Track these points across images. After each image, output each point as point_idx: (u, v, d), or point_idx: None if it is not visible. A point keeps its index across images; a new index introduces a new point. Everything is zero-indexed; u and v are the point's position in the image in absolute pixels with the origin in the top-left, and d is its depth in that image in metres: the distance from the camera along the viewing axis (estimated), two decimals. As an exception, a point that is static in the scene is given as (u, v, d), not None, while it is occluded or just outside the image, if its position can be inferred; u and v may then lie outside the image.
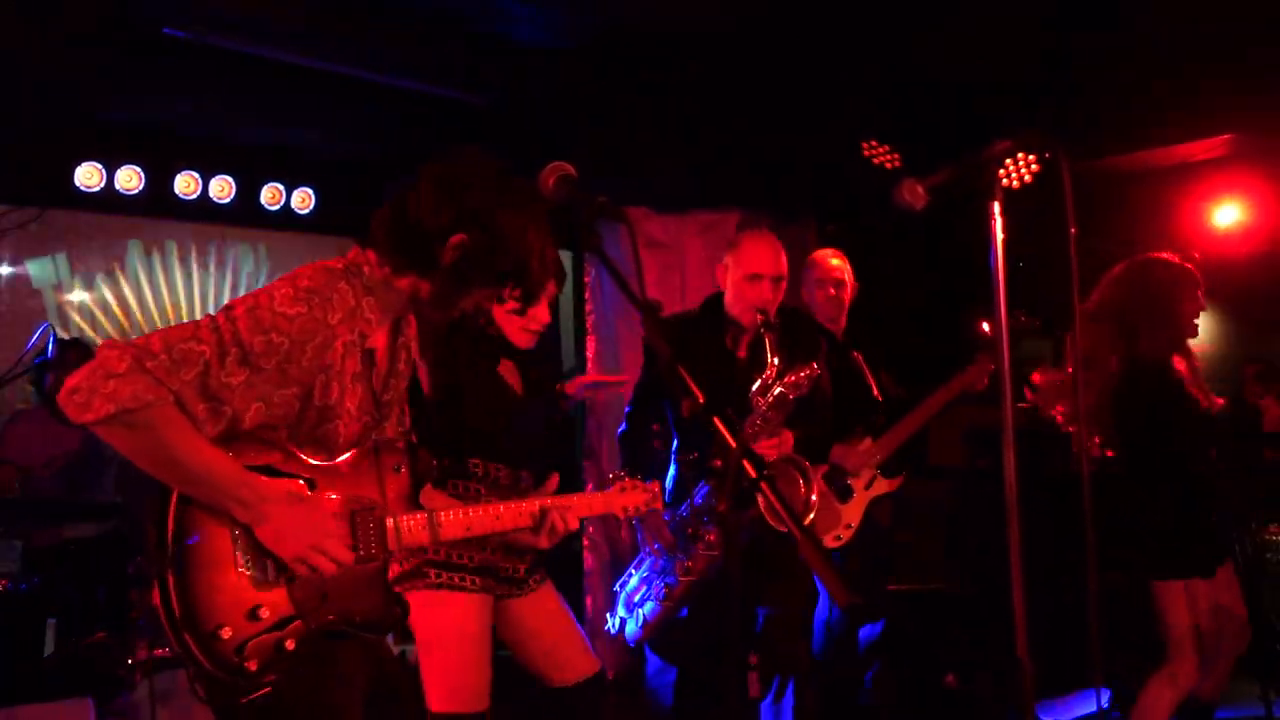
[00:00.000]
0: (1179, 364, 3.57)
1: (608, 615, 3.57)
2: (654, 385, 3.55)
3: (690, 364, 3.32)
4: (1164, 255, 3.62)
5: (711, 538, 3.29)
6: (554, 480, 2.55)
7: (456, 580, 2.70)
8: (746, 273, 3.36)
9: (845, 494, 4.06)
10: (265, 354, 1.86)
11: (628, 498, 2.59)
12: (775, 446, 3.27)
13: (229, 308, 1.90)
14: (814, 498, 3.19)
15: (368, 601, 2.06)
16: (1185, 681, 3.49)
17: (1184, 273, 3.57)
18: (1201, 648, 3.49)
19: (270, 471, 1.95)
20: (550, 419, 2.79)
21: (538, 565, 2.89)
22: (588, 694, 2.81)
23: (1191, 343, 3.68)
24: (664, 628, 3.44)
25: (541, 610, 2.86)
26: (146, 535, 1.90)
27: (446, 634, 2.71)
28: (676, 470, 3.50)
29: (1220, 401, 3.71)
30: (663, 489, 3.33)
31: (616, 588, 3.56)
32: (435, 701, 2.65)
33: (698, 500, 3.36)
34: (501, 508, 2.36)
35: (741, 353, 3.49)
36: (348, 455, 2.06)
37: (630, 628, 3.47)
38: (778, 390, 3.20)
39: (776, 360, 3.22)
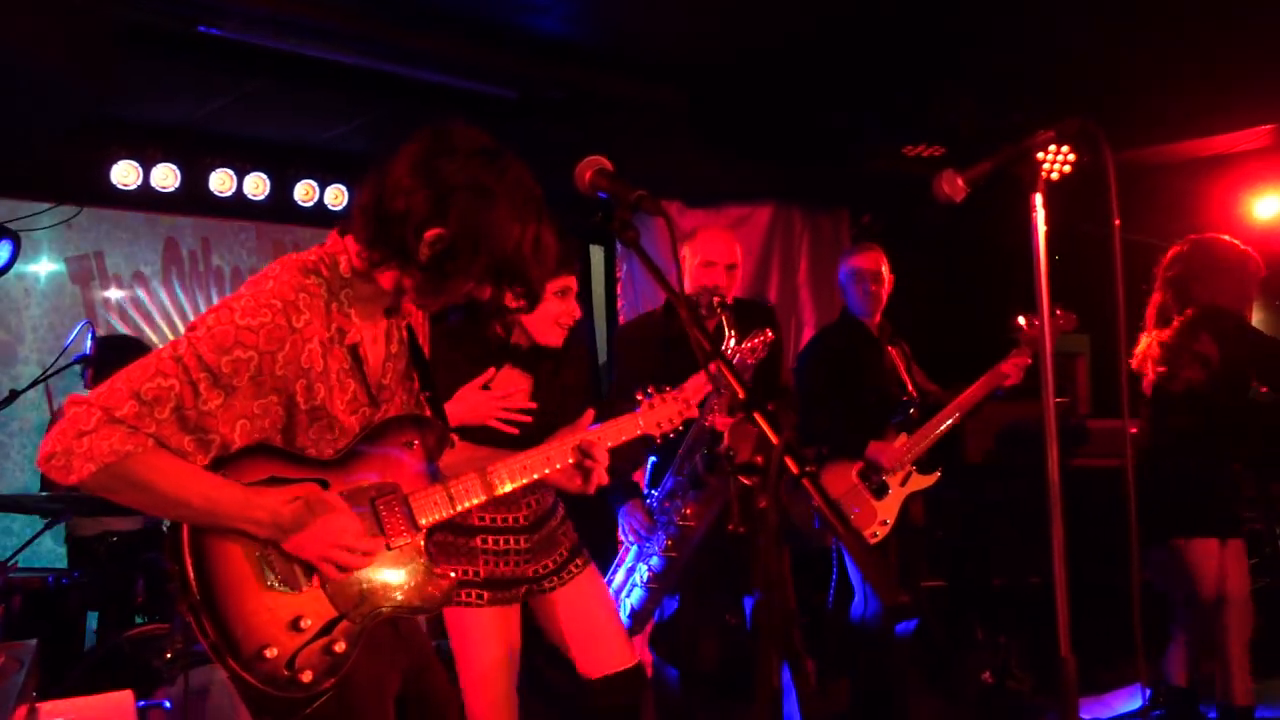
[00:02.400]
0: None
1: None
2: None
3: (666, 356, 3.43)
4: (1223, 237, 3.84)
5: (689, 510, 3.36)
6: (589, 415, 2.40)
7: (464, 596, 2.72)
8: (703, 260, 3.61)
9: (881, 491, 4.04)
10: (235, 373, 1.79)
11: (659, 413, 2.43)
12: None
13: (191, 328, 1.82)
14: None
15: (410, 584, 2.01)
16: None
17: (1245, 254, 3.81)
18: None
19: (277, 482, 1.89)
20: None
21: (573, 554, 2.89)
22: (621, 687, 2.80)
23: None
24: (651, 616, 3.51)
25: (575, 600, 2.85)
26: (169, 571, 1.85)
27: (467, 653, 2.74)
28: (656, 457, 3.56)
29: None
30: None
31: None
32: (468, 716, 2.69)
33: (669, 483, 3.43)
34: (551, 447, 2.24)
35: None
36: (353, 444, 1.98)
37: None
38: (735, 358, 3.29)
39: (733, 333, 3.33)
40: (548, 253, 1.93)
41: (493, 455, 2.24)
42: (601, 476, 2.30)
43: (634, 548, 3.51)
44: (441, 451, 2.14)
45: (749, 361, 3.32)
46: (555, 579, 2.86)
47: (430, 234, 1.84)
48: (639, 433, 2.40)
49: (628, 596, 3.50)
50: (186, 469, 1.78)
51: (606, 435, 2.34)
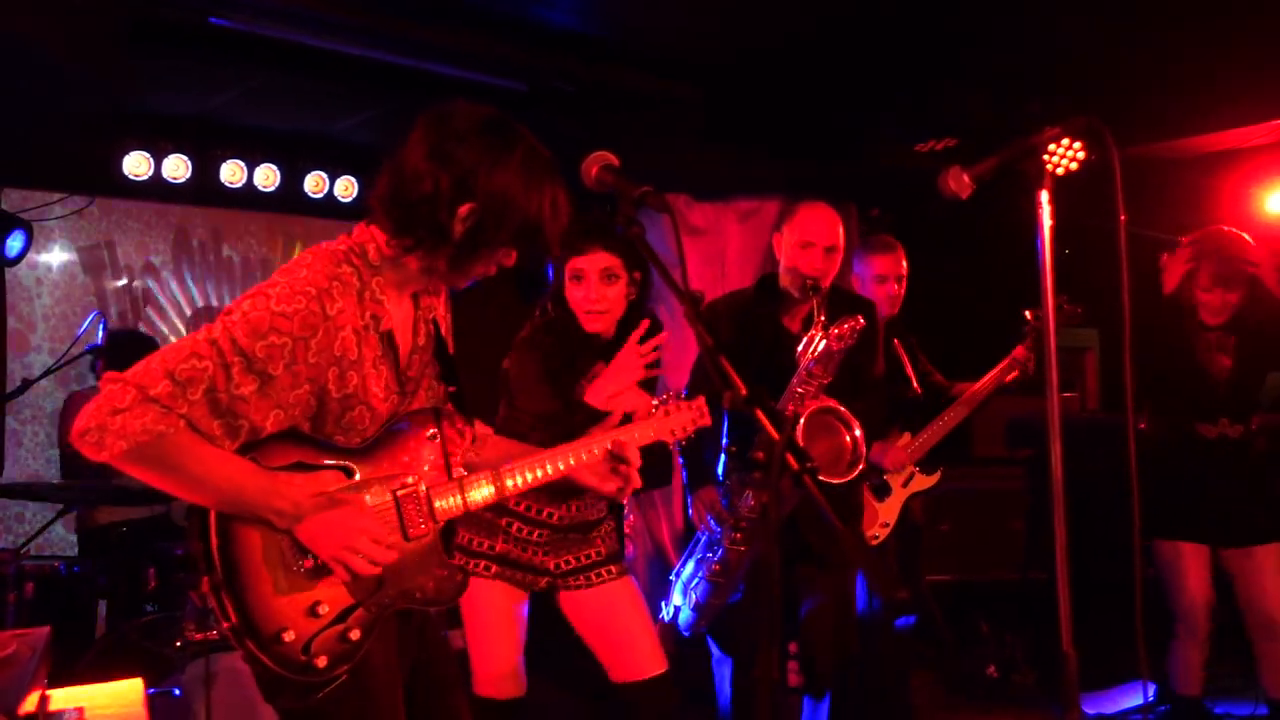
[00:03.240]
0: None
1: (662, 604, 3.55)
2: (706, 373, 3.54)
3: (744, 340, 3.36)
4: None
5: (755, 503, 3.23)
6: (617, 415, 2.40)
7: (472, 566, 2.76)
8: (800, 240, 3.37)
9: (882, 492, 4.02)
10: (270, 359, 1.80)
11: (674, 420, 2.40)
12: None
13: (227, 313, 1.84)
14: (855, 439, 3.14)
15: (427, 576, 2.03)
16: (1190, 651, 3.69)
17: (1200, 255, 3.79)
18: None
19: (303, 468, 1.91)
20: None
21: (608, 560, 2.89)
22: (651, 693, 2.80)
23: None
24: (717, 612, 3.41)
25: (608, 604, 2.86)
26: (193, 551, 1.87)
27: (470, 620, 2.79)
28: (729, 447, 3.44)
29: None
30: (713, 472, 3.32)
31: (672, 576, 3.54)
32: (474, 686, 2.75)
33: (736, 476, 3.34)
34: (566, 448, 2.23)
35: (795, 326, 3.45)
36: (382, 433, 2.00)
37: (684, 615, 3.45)
38: (822, 344, 3.11)
39: (821, 318, 3.17)
40: (563, 210, 1.99)
41: (516, 449, 2.27)
42: (635, 479, 2.28)
43: (703, 537, 3.43)
44: (464, 445, 2.17)
45: (834, 349, 3.11)
46: (582, 578, 2.86)
47: (463, 210, 1.89)
48: (652, 438, 2.38)
49: (694, 589, 3.41)
50: (215, 453, 1.80)
51: (627, 437, 2.31)
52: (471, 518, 2.71)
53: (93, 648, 3.74)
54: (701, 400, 2.45)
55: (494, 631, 2.80)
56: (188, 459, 1.77)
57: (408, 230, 1.93)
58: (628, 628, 2.85)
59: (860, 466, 3.18)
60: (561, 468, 2.21)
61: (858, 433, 3.16)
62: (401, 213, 1.92)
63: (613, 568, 2.89)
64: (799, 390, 3.13)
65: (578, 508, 2.86)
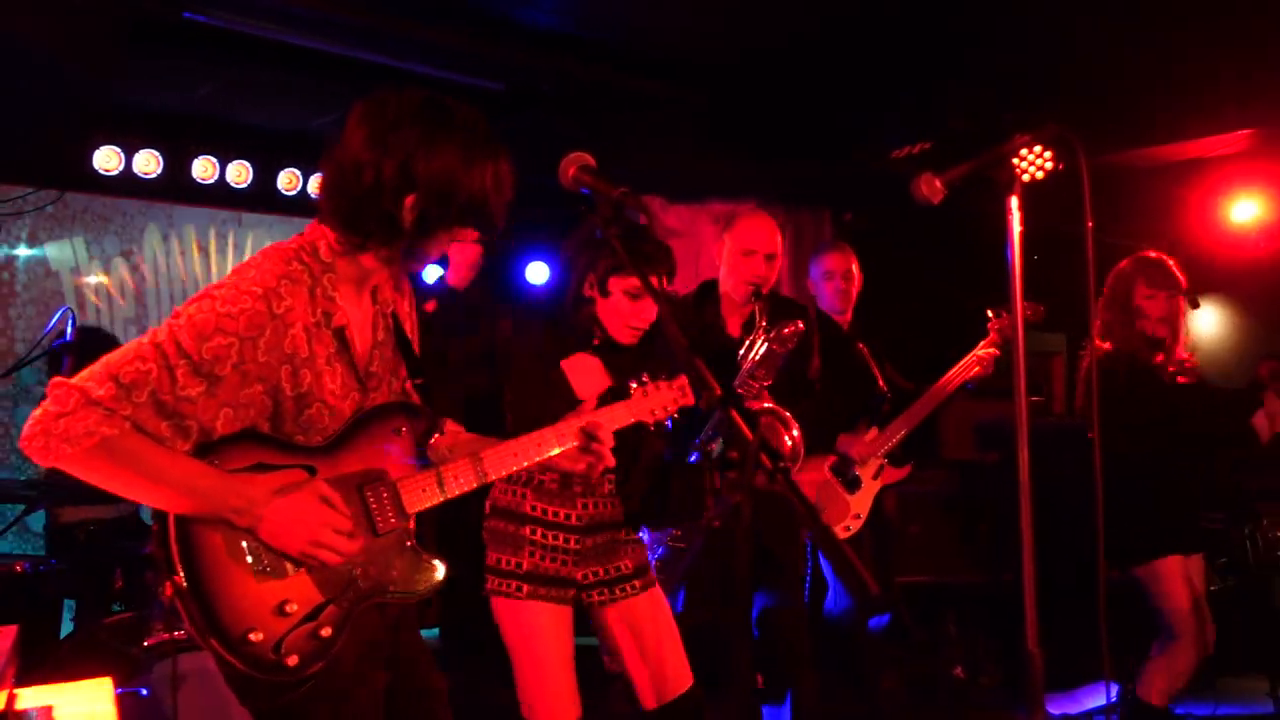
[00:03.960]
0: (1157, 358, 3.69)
1: None
2: None
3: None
4: (1140, 254, 3.77)
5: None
6: (591, 400, 2.44)
7: (504, 588, 2.74)
8: (741, 248, 3.48)
9: (854, 485, 4.07)
10: (218, 360, 1.80)
11: (653, 400, 2.38)
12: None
13: (174, 315, 1.83)
14: (794, 439, 3.17)
15: (399, 570, 2.02)
16: (1183, 663, 3.54)
17: (1149, 268, 3.70)
18: (1199, 626, 3.56)
19: (263, 468, 1.89)
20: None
21: (634, 574, 2.87)
22: (682, 711, 2.78)
23: (1205, 338, 3.74)
24: None
25: (635, 618, 2.84)
26: (154, 555, 1.85)
27: (519, 648, 2.73)
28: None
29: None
30: None
31: None
32: (530, 716, 2.70)
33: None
34: (543, 434, 2.22)
35: (736, 331, 3.52)
36: (344, 430, 1.99)
37: None
38: (764, 348, 3.21)
39: (763, 322, 3.26)
40: (506, 182, 1.99)
41: (489, 442, 2.24)
42: (608, 458, 2.28)
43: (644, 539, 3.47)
44: (430, 439, 2.16)
45: (777, 350, 3.21)
46: (606, 591, 2.83)
47: (409, 199, 1.90)
48: (631, 420, 2.38)
49: None
50: (164, 454, 1.79)
51: (607, 423, 2.31)
52: (496, 534, 2.77)
53: (59, 647, 3.70)
54: (684, 379, 2.44)
55: (545, 655, 2.72)
56: (136, 461, 1.76)
57: (358, 226, 1.93)
58: (657, 643, 2.82)
59: (798, 464, 3.23)
60: (542, 454, 2.21)
61: (796, 433, 3.20)
62: (349, 208, 1.93)
63: (638, 581, 2.87)
64: (740, 392, 3.18)
65: (592, 505, 2.84)
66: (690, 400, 2.45)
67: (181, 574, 1.81)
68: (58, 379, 1.77)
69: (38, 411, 1.73)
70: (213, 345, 1.80)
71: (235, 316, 1.82)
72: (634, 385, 2.40)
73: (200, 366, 1.79)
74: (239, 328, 1.82)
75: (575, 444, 2.25)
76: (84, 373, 1.76)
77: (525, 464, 2.19)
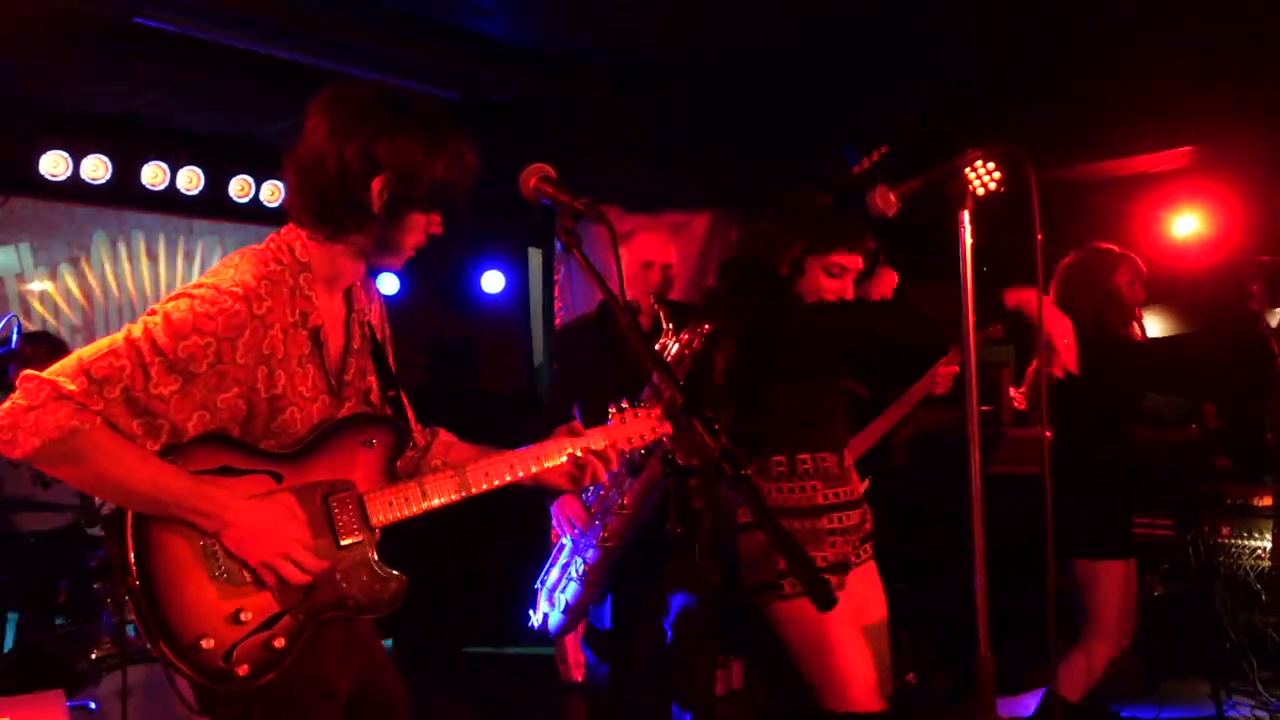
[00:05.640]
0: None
1: (530, 612, 3.58)
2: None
3: (603, 356, 3.46)
4: (1105, 245, 3.87)
5: (626, 500, 3.35)
6: (576, 423, 2.41)
7: (836, 584, 2.70)
8: (640, 261, 3.70)
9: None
10: (193, 359, 1.79)
11: (630, 428, 2.36)
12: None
13: (150, 313, 1.82)
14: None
15: (358, 583, 1.99)
16: (1100, 661, 3.65)
17: (1126, 259, 3.81)
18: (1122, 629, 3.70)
19: (229, 472, 1.87)
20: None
21: (869, 536, 2.97)
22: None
23: None
24: (585, 612, 3.53)
25: (868, 580, 2.94)
26: (109, 554, 1.82)
27: (834, 639, 2.71)
28: None
29: None
30: None
31: (537, 585, 3.57)
32: (832, 702, 2.71)
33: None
34: (530, 451, 2.22)
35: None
36: (313, 438, 1.97)
37: (554, 619, 3.50)
38: (675, 348, 3.30)
39: (669, 327, 3.36)
40: (470, 165, 2.02)
41: (479, 455, 2.23)
42: (601, 475, 2.30)
43: (569, 543, 3.49)
44: (402, 452, 2.14)
45: (685, 353, 3.31)
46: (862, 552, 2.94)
47: (376, 183, 1.91)
48: (605, 444, 2.34)
49: (562, 592, 3.47)
50: (134, 452, 1.77)
51: (585, 443, 2.29)
52: (803, 536, 2.75)
53: (3, 661, 3.63)
54: (659, 410, 2.44)
55: (854, 634, 2.75)
56: (103, 457, 1.75)
57: (327, 217, 1.94)
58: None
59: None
60: (533, 470, 2.21)
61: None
62: (316, 201, 1.94)
63: (869, 546, 2.98)
64: (645, 394, 3.22)
65: (856, 476, 2.97)
66: (667, 430, 2.44)
67: (135, 574, 1.79)
68: (28, 372, 1.75)
69: (6, 404, 1.72)
70: (189, 344, 1.79)
71: (214, 316, 1.81)
72: (613, 410, 2.41)
73: (175, 365, 1.78)
74: (216, 328, 1.81)
75: (564, 461, 2.25)
76: (56, 366, 1.75)
77: (510, 479, 2.19)
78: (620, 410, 2.39)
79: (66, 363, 1.76)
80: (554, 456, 2.24)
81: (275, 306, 1.89)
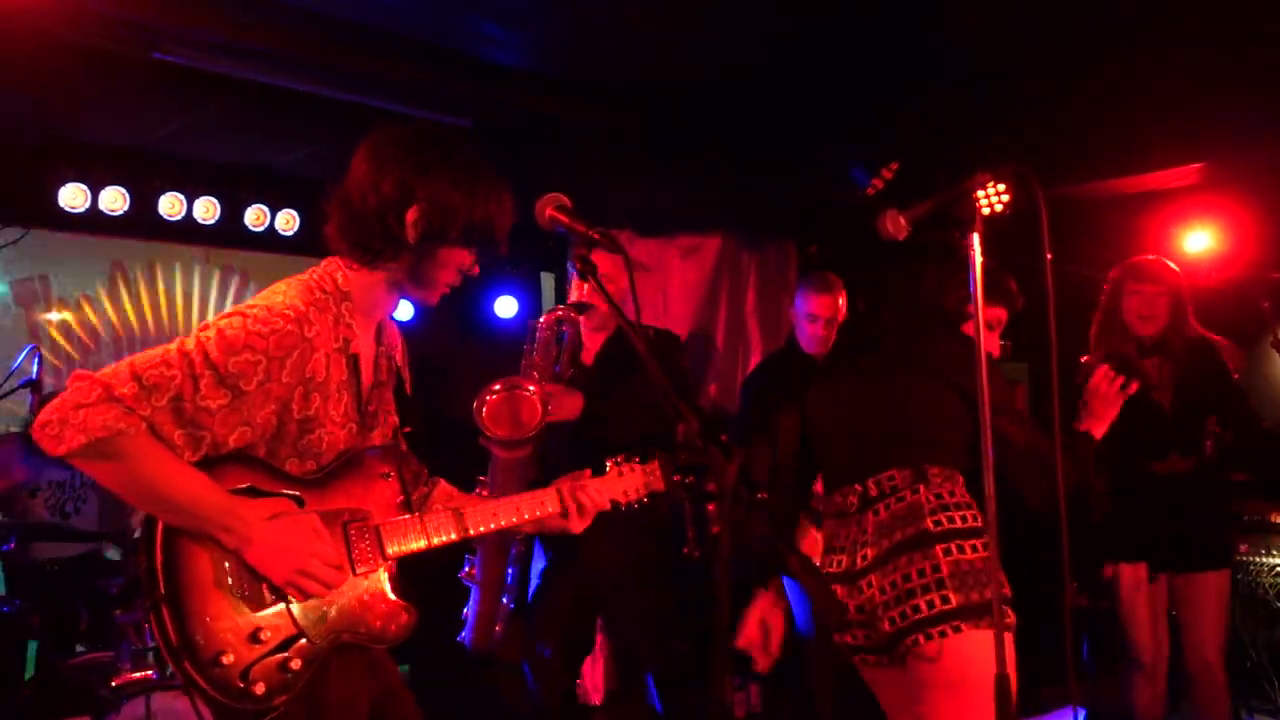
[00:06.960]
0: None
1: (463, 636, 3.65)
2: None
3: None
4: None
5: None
6: (587, 471, 2.45)
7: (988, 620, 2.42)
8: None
9: (821, 520, 4.08)
10: (243, 375, 1.84)
11: (626, 481, 2.40)
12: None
13: (204, 327, 1.89)
14: (531, 393, 3.41)
15: (373, 612, 2.03)
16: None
17: (1134, 266, 3.87)
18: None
19: (254, 493, 1.92)
20: None
21: None
22: None
23: None
24: (491, 619, 3.59)
25: None
26: (137, 564, 1.87)
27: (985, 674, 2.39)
28: None
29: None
30: None
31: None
32: None
33: None
34: (522, 498, 2.27)
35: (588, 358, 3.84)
36: (336, 466, 2.02)
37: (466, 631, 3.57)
38: (540, 335, 3.62)
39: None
40: (507, 208, 2.09)
41: (467, 499, 2.31)
42: (588, 522, 2.33)
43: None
44: (417, 487, 2.21)
45: (548, 336, 3.64)
46: None
47: (410, 214, 1.98)
48: (604, 497, 2.37)
49: (468, 606, 3.58)
50: (175, 462, 1.82)
51: (585, 495, 2.33)
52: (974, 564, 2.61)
53: (24, 689, 3.65)
54: (655, 465, 2.44)
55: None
56: (144, 462, 1.79)
57: (364, 244, 2.02)
58: None
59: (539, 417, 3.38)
60: (525, 517, 2.25)
61: (532, 389, 3.43)
62: (355, 229, 2.02)
63: None
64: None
65: None
66: (660, 486, 2.43)
67: (163, 587, 1.83)
68: (80, 371, 1.82)
69: (57, 400, 1.77)
70: (240, 360, 1.84)
71: (266, 336, 1.87)
72: (610, 464, 2.43)
73: (225, 379, 1.83)
74: (268, 346, 1.87)
75: (555, 510, 2.29)
76: (108, 369, 1.81)
77: (504, 524, 2.22)
78: (618, 464, 2.41)
79: (119, 366, 1.82)
80: (547, 506, 2.29)
81: (322, 331, 1.96)
